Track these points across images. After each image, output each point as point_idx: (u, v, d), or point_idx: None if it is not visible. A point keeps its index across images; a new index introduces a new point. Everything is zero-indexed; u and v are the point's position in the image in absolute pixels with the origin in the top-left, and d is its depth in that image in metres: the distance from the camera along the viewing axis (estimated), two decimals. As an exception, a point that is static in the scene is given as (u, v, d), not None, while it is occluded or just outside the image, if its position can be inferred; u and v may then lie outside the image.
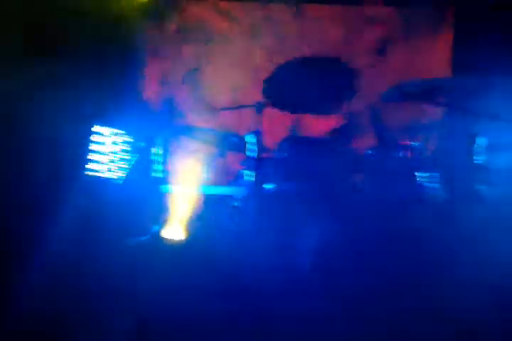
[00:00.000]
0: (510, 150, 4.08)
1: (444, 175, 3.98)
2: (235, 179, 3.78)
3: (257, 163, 3.58)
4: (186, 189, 3.52)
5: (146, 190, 3.68)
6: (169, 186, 3.59)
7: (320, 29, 4.95)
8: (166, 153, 3.54)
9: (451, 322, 3.05)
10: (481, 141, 3.84)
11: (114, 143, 4.14)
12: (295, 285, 3.29)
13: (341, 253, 3.47)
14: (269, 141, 3.89)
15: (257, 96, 3.87)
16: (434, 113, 4.75)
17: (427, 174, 3.92)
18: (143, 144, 3.84)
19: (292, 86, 3.91)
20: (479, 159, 3.91)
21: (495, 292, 3.36)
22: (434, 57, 5.07)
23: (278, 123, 4.50)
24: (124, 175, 3.93)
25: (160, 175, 3.50)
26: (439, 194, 3.94)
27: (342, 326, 3.02)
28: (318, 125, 4.24)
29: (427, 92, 3.92)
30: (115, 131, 4.19)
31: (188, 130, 3.78)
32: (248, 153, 3.48)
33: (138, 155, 3.91)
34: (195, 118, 3.95)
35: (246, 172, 3.59)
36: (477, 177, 3.95)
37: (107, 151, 3.94)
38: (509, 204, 3.99)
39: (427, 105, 4.00)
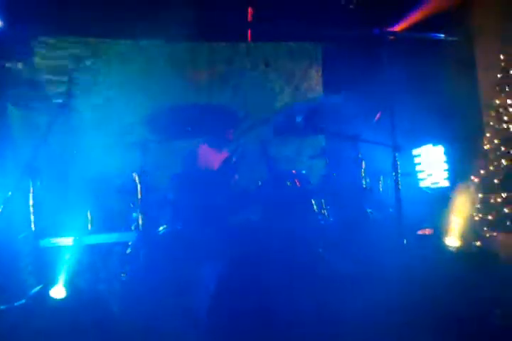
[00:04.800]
0: (390, 174, 4.30)
1: (333, 200, 4.05)
2: (123, 224, 3.48)
3: (144, 205, 3.32)
4: (68, 241, 3.12)
5: (18, 246, 3.22)
6: (47, 239, 3.16)
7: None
8: (41, 202, 3.12)
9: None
10: (364, 166, 3.98)
11: (-26, 193, 3.62)
12: (192, 331, 3.07)
13: (239, 293, 3.32)
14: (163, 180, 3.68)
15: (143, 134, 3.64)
16: (318, 141, 4.97)
17: (316, 200, 3.95)
18: (9, 194, 3.38)
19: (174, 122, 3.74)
20: (364, 183, 4.04)
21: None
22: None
23: (171, 161, 4.35)
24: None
25: (33, 227, 3.06)
26: (328, 218, 3.99)
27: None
28: (215, 158, 4.11)
29: (310, 117, 4.00)
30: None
31: (66, 174, 3.41)
32: (135, 195, 3.21)
33: (3, 206, 3.43)
34: (77, 160, 3.60)
35: (134, 214, 3.31)
36: (363, 200, 4.08)
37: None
38: (392, 222, 4.20)
39: (312, 133, 4.07)
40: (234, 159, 3.93)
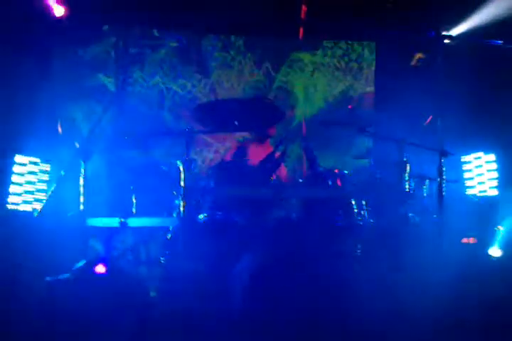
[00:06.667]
0: (434, 178, 4.24)
1: (374, 202, 4.03)
2: (166, 209, 3.59)
3: (187, 192, 3.42)
4: (114, 221, 3.27)
5: (66, 223, 3.39)
6: (94, 218, 3.33)
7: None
8: (91, 182, 3.28)
9: None
10: (408, 169, 3.94)
11: (31, 172, 3.84)
12: (226, 320, 3.14)
13: (275, 284, 3.37)
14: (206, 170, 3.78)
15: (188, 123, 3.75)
16: (364, 141, 4.95)
17: (357, 201, 3.94)
18: (63, 173, 3.56)
19: (222, 114, 3.83)
20: (407, 186, 4.00)
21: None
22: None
23: (216, 151, 4.47)
24: (42, 207, 3.64)
25: (83, 206, 3.23)
26: (368, 220, 3.97)
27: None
28: (258, 152, 4.19)
29: (355, 116, 4.02)
30: (31, 159, 3.89)
31: (115, 158, 3.56)
32: (179, 182, 3.31)
33: (56, 185, 3.63)
34: (124, 146, 3.76)
35: (177, 201, 3.42)
36: (405, 204, 4.04)
37: (23, 181, 3.63)
38: (434, 229, 4.14)
39: (357, 133, 4.06)
40: (276, 155, 3.97)
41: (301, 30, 4.96)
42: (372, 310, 3.30)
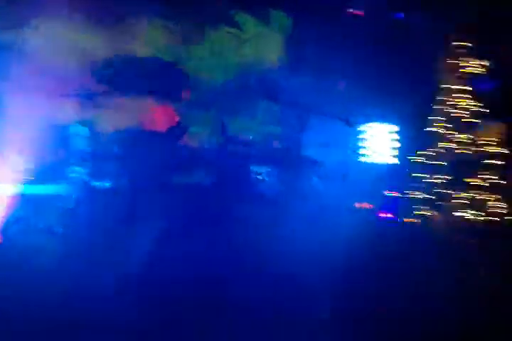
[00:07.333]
0: (339, 146, 4.38)
1: (280, 170, 4.10)
2: (64, 176, 3.38)
3: (88, 158, 3.25)
4: (2, 187, 3.02)
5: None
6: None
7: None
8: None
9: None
10: (314, 137, 4.02)
11: None
12: (129, 287, 3.09)
13: (179, 247, 3.36)
14: (108, 134, 3.57)
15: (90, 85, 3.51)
16: (273, 109, 4.97)
17: (264, 169, 3.99)
18: None
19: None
20: (312, 154, 4.10)
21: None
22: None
23: (118, 115, 4.22)
24: None
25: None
26: (274, 187, 4.04)
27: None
28: (166, 118, 4.03)
29: (265, 82, 4.01)
30: None
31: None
32: (78, 147, 3.13)
33: None
34: (18, 106, 3.44)
35: (77, 168, 3.23)
36: (309, 171, 4.15)
37: None
38: (338, 196, 4.31)
39: (264, 99, 4.08)
40: (184, 121, 3.89)
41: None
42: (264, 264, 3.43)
